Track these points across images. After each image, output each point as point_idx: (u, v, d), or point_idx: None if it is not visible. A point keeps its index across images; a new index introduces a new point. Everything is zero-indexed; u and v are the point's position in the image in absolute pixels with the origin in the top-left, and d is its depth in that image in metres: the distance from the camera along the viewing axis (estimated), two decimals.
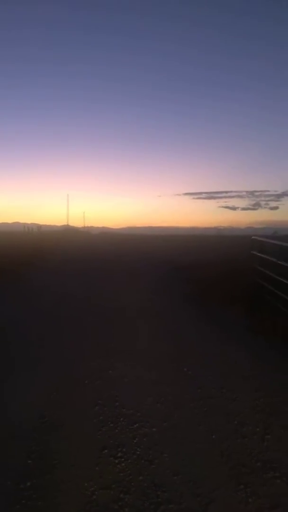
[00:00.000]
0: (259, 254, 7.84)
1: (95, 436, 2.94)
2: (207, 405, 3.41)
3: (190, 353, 4.73)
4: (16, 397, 3.55)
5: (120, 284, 10.11)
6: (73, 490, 2.36)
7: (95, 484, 2.41)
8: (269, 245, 7.62)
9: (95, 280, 10.65)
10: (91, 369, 4.19)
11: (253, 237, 8.69)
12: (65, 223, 59.97)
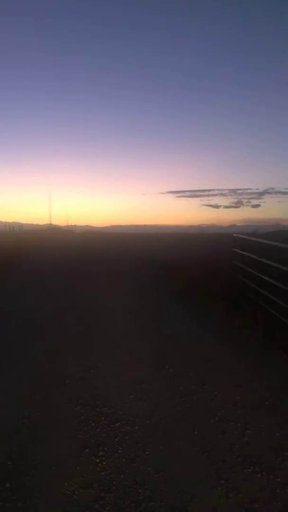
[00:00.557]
0: (240, 251, 7.91)
1: (76, 435, 2.92)
2: (188, 402, 3.42)
3: (172, 350, 4.74)
4: None
5: (103, 283, 10.08)
6: (53, 490, 2.33)
7: (75, 484, 2.39)
8: (250, 242, 7.69)
9: (77, 280, 10.59)
10: (72, 368, 4.16)
11: (234, 235, 8.76)
12: (48, 222, 59.34)
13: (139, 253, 18.44)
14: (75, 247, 24.17)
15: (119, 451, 2.72)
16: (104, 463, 2.59)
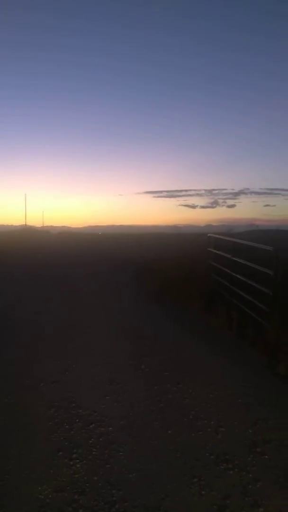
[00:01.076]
0: (214, 250, 8.01)
1: (50, 438, 2.89)
2: (163, 401, 3.45)
3: (147, 350, 4.76)
4: None
5: (79, 283, 10.02)
6: (26, 495, 2.31)
7: (49, 488, 2.37)
8: (224, 242, 7.80)
9: (53, 281, 10.49)
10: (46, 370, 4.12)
11: (209, 234, 8.87)
12: (23, 223, 58.43)
13: (116, 253, 18.42)
14: (51, 248, 23.92)
15: (93, 452, 2.72)
16: (78, 465, 2.58)
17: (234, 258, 6.49)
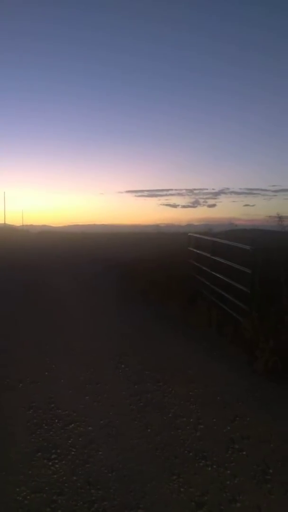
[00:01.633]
0: (194, 250, 8.07)
1: (29, 439, 2.87)
2: (143, 400, 3.46)
3: (127, 349, 4.76)
4: None
5: (59, 281, 9.94)
6: (3, 497, 2.28)
7: (27, 489, 2.35)
8: (203, 241, 7.87)
9: (32, 280, 10.38)
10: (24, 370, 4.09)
11: (189, 234, 8.93)
12: (2, 222, 57.58)
13: (97, 253, 18.34)
14: (30, 248, 23.65)
15: (72, 452, 2.71)
16: (57, 465, 2.57)
17: (213, 257, 6.55)
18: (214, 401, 3.45)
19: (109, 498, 2.28)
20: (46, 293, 8.56)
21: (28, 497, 2.29)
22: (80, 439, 2.88)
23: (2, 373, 4.02)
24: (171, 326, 5.87)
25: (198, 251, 7.81)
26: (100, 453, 2.70)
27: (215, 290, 6.29)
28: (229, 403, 3.41)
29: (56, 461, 2.61)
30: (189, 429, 3.00)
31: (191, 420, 3.13)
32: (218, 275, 6.18)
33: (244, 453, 2.71)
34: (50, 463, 2.59)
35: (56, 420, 3.13)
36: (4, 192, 60.30)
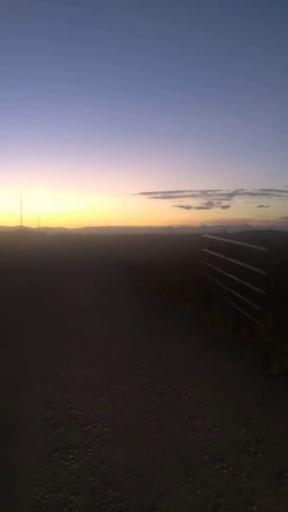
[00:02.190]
0: (209, 251, 8.06)
1: (46, 439, 2.91)
2: (158, 402, 3.48)
3: (142, 350, 4.79)
4: None
5: (74, 283, 10.02)
6: (23, 496, 2.33)
7: (45, 488, 2.39)
8: (218, 242, 7.85)
9: (48, 281, 10.49)
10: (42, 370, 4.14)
11: (203, 235, 8.92)
12: (19, 224, 58.35)
13: (111, 255, 18.42)
14: (47, 250, 23.88)
15: (89, 453, 2.74)
16: (74, 466, 2.61)
17: (227, 259, 6.53)
18: (229, 403, 3.45)
19: (126, 499, 2.30)
20: (61, 295, 8.64)
21: (46, 496, 2.33)
22: (96, 439, 2.91)
23: (19, 374, 4.09)
24: (185, 328, 5.87)
25: (212, 253, 7.80)
26: (117, 454, 2.73)
27: (229, 292, 6.28)
28: (245, 405, 3.41)
29: (73, 461, 2.65)
30: (205, 431, 3.01)
31: (207, 422, 3.14)
32: (232, 276, 6.16)
33: (260, 455, 2.70)
34: (67, 464, 2.63)
35: (73, 421, 3.17)
36: (21, 195, 60.76)
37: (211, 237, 8.47)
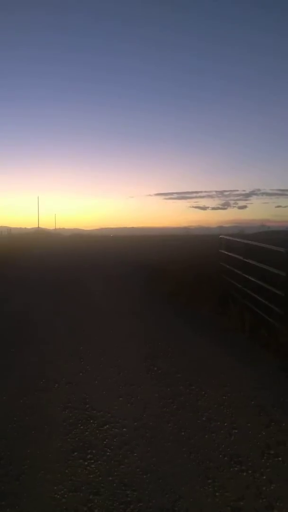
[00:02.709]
0: (226, 252, 8.00)
1: (65, 439, 2.93)
2: (176, 403, 3.47)
3: (159, 352, 4.78)
4: None
5: (91, 284, 10.08)
6: (42, 495, 2.35)
7: (64, 488, 2.41)
8: (235, 243, 7.79)
9: (66, 281, 10.57)
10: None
11: (220, 236, 8.86)
12: (36, 226, 59.18)
13: (127, 255, 18.47)
14: (64, 250, 24.08)
15: (108, 453, 2.75)
16: (93, 465, 2.62)
17: (246, 260, 6.47)
18: (248, 405, 3.42)
19: (145, 499, 2.30)
20: (78, 293, 8.70)
21: (66, 495, 2.34)
22: (114, 440, 2.91)
23: (38, 374, 4.13)
24: (203, 329, 5.84)
25: (229, 254, 7.73)
26: (135, 454, 2.73)
27: (247, 293, 6.22)
28: (264, 408, 3.37)
29: (92, 461, 2.66)
30: (223, 433, 2.98)
31: (225, 424, 3.11)
32: (250, 277, 6.10)
33: (280, 459, 2.67)
34: (86, 463, 2.64)
35: (91, 421, 3.19)
36: (38, 197, 61.62)
37: (228, 237, 8.40)
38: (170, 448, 2.81)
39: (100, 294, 8.88)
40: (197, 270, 9.68)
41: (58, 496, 2.34)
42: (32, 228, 61.86)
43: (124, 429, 3.06)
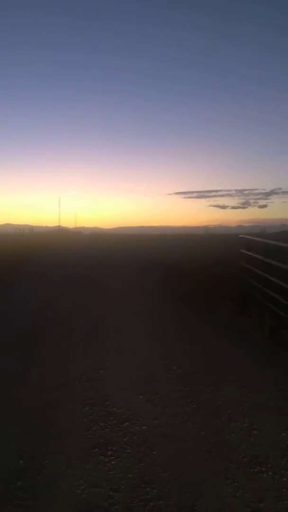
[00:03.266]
0: (246, 252, 7.93)
1: (85, 435, 2.97)
2: (195, 403, 3.47)
3: (178, 351, 4.78)
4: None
5: (110, 281, 10.14)
6: (64, 489, 2.39)
7: (85, 483, 2.44)
8: (256, 243, 7.70)
9: (84, 279, 10.67)
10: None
11: (240, 235, 8.78)
12: (57, 224, 60.13)
13: (147, 254, 18.50)
14: (83, 249, 24.29)
15: (128, 450, 2.78)
16: (113, 462, 2.65)
17: (266, 260, 6.40)
18: (268, 406, 3.39)
19: (164, 497, 2.32)
20: (98, 292, 8.77)
21: (86, 491, 2.38)
22: (134, 437, 2.94)
23: (59, 371, 4.19)
24: (222, 329, 5.82)
25: (250, 253, 7.66)
26: (155, 452, 2.75)
27: (268, 294, 6.15)
28: (284, 409, 3.34)
29: (112, 457, 2.69)
30: (243, 434, 2.97)
31: (245, 424, 3.10)
32: (271, 278, 6.03)
33: None
34: (107, 460, 2.67)
35: (111, 418, 3.22)
36: (59, 198, 62.71)
37: (249, 237, 8.32)
38: (189, 447, 2.81)
39: (121, 294, 8.92)
40: (217, 270, 9.64)
41: (79, 491, 2.37)
42: (53, 226, 62.70)
43: (144, 427, 3.08)
